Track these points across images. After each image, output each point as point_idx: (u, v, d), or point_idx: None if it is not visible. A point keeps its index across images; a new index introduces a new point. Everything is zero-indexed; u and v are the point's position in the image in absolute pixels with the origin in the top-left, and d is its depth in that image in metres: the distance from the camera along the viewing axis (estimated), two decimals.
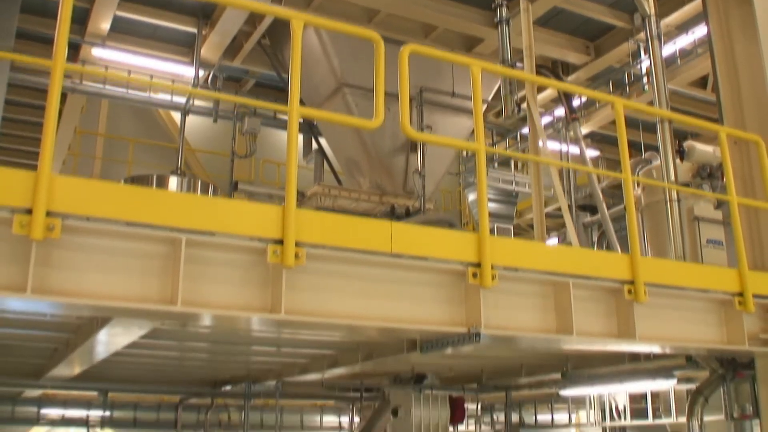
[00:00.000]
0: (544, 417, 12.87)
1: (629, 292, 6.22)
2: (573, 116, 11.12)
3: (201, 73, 15.57)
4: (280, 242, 4.86)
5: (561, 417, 15.12)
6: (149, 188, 4.80)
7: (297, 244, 4.88)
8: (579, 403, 12.80)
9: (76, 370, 10.32)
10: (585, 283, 6.10)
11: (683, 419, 8.99)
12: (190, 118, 16.60)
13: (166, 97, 16.09)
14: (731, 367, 7.96)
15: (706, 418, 8.67)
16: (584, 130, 16.96)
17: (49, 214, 4.43)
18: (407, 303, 5.37)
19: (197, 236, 4.72)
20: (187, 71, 15.90)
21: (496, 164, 19.19)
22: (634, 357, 9.22)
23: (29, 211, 4.40)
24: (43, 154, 4.42)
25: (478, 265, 5.46)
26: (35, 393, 13.15)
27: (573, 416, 16.31)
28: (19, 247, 4.48)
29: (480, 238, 5.49)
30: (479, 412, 12.48)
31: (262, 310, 4.88)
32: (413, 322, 5.32)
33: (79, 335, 7.58)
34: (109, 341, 7.10)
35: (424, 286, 5.45)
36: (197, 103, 16.57)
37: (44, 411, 13.64)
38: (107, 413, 13.58)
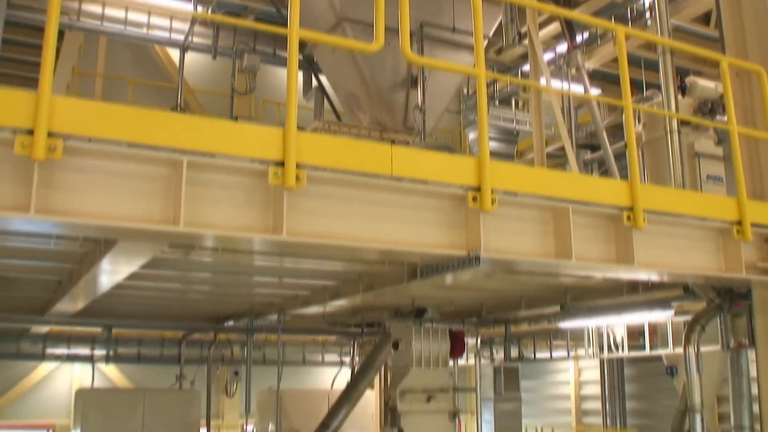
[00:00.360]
0: (543, 355, 13.00)
1: (628, 218, 6.26)
2: (574, 45, 11.05)
3: (200, 9, 15.43)
4: (281, 164, 4.88)
5: (559, 353, 15.36)
6: (150, 109, 4.79)
7: (298, 166, 4.90)
8: (578, 339, 12.95)
9: (80, 304, 10.43)
10: (584, 209, 6.14)
11: (680, 350, 9.09)
12: (189, 58, 16.49)
13: (165, 33, 15.93)
14: (728, 297, 8.04)
15: (703, 349, 8.78)
16: (586, 66, 16.84)
17: (50, 134, 4.44)
18: (408, 226, 5.41)
19: (199, 158, 4.74)
20: (186, 6, 15.74)
21: (496, 102, 19.11)
22: (633, 288, 9.30)
23: (31, 132, 4.42)
24: (43, 75, 4.41)
25: (478, 189, 5.48)
26: (40, 330, 13.33)
27: (571, 353, 16.58)
28: (21, 168, 4.51)
29: (480, 162, 5.51)
30: (479, 347, 12.61)
31: (263, 231, 4.92)
32: (414, 245, 5.37)
33: (82, 265, 7.65)
34: (112, 270, 7.16)
35: (425, 210, 5.49)
36: (196, 40, 16.42)
37: (49, 347, 13.81)
38: (111, 349, 13.76)
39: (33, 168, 4.50)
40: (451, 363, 11.42)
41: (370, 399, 13.82)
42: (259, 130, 4.98)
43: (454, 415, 11.11)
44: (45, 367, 20.60)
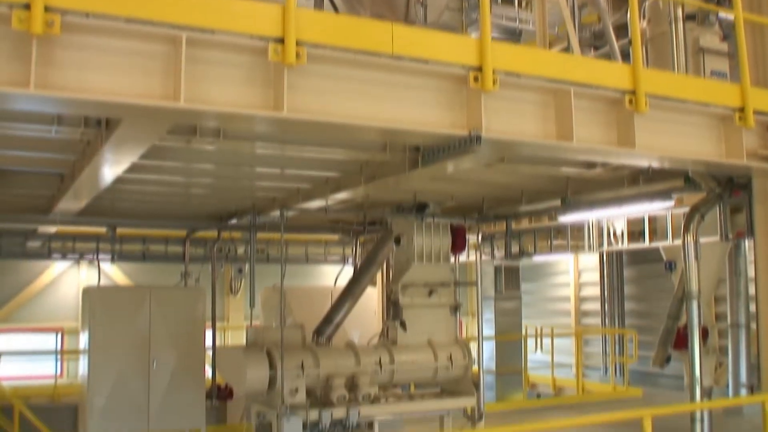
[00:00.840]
0: (543, 252, 13.04)
1: (630, 102, 6.25)
2: None
3: None
4: (281, 41, 4.85)
5: (560, 251, 15.44)
6: None
7: (298, 43, 4.87)
8: (578, 239, 13.01)
9: (83, 201, 10.47)
10: (586, 91, 6.12)
11: (679, 242, 9.18)
12: None
13: None
14: (728, 187, 8.08)
15: (702, 240, 8.85)
16: None
17: (47, 9, 4.41)
18: (409, 106, 5.41)
19: (197, 34, 4.72)
20: None
21: (499, 0, 18.80)
22: (633, 180, 9.34)
23: (28, 6, 4.39)
24: None
25: (480, 69, 5.46)
26: (46, 230, 13.45)
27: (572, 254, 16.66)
28: (20, 45, 4.50)
29: (482, 42, 5.47)
30: (480, 243, 12.72)
31: (264, 109, 4.93)
32: (414, 124, 5.38)
33: (84, 156, 7.65)
34: (114, 160, 7.16)
35: (426, 90, 5.48)
36: None
37: (54, 247, 13.94)
38: (116, 248, 13.90)
39: (32, 44, 4.48)
40: (452, 259, 11.52)
41: (373, 296, 14.03)
42: (258, 6, 4.93)
43: (455, 308, 11.28)
44: (51, 272, 20.88)
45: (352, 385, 10.25)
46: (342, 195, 9.50)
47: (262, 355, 9.98)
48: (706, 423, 10.38)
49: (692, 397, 9.67)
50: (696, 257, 7.52)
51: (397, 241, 11.15)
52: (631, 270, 21.14)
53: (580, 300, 22.79)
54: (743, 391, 15.76)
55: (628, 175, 9.28)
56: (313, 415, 9.92)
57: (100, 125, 6.41)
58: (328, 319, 11.23)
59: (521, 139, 5.82)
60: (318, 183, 9.72)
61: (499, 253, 13.78)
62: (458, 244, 11.43)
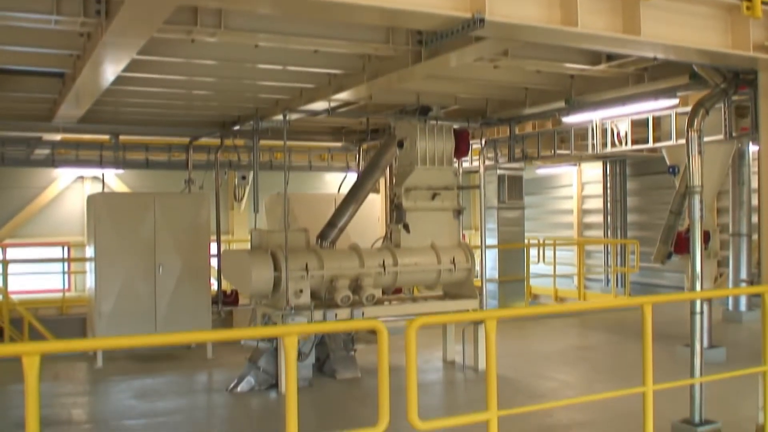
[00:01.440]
0: (546, 158, 12.99)
1: None
2: None
3: None
4: None
5: (563, 158, 15.38)
6: None
7: None
8: (582, 147, 12.93)
9: (85, 105, 10.45)
10: None
11: (683, 140, 9.13)
12: None
13: None
14: (734, 82, 8.01)
15: (706, 139, 8.82)
16: None
17: None
18: None
19: None
20: None
21: None
22: (638, 79, 9.27)
23: None
24: None
25: None
26: (51, 137, 13.46)
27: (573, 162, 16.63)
28: None
29: None
30: (483, 146, 12.69)
31: None
32: (416, 5, 5.31)
33: (85, 52, 7.60)
34: (114, 54, 7.13)
35: None
36: None
37: (58, 154, 13.94)
38: (119, 155, 13.90)
39: None
40: (455, 163, 11.52)
41: (376, 203, 14.08)
42: None
43: (458, 212, 11.34)
44: (56, 187, 20.99)
45: (356, 286, 10.37)
46: (345, 95, 9.45)
47: (267, 257, 10.08)
48: (705, 323, 10.53)
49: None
50: (699, 152, 7.49)
51: (401, 144, 11.13)
52: (634, 182, 21.19)
53: (582, 213, 22.90)
54: (743, 298, 16.03)
55: (632, 73, 9.21)
56: (318, 315, 10.07)
57: (99, 14, 6.35)
58: (331, 223, 11.30)
59: (525, 23, 5.76)
60: (321, 82, 9.65)
61: (503, 158, 13.74)
62: (461, 148, 11.40)
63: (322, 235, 11.15)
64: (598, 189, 21.90)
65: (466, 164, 15.54)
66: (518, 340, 13.16)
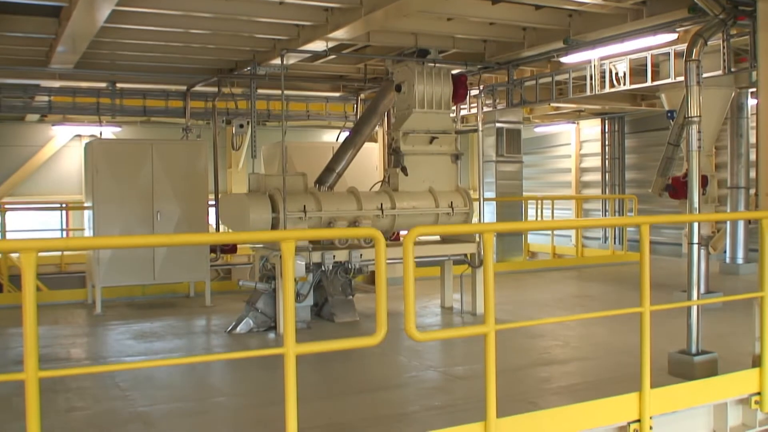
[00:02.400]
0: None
1: None
2: None
3: None
4: None
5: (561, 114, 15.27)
6: None
7: None
8: (580, 88, 12.79)
9: (82, 45, 10.40)
10: None
11: (681, 78, 9.09)
12: None
13: None
14: (732, 12, 7.96)
15: (705, 75, 8.78)
16: None
17: None
18: None
19: None
20: None
21: None
22: (636, 15, 9.22)
23: None
24: None
25: None
26: (48, 85, 13.40)
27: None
28: None
29: None
30: (481, 92, 12.61)
31: None
32: None
33: None
34: None
35: None
36: None
37: (55, 101, 13.87)
38: (116, 102, 13.82)
39: None
40: (453, 108, 11.50)
41: (374, 152, 14.05)
42: None
43: (456, 157, 11.32)
44: (53, 145, 20.96)
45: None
46: (342, 33, 9.40)
47: (265, 199, 10.08)
48: (702, 267, 10.50)
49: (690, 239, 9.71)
50: (698, 82, 7.46)
51: (398, 88, 11.08)
52: (632, 140, 21.19)
53: (580, 171, 22.90)
54: (740, 250, 16.07)
55: (630, 8, 9.16)
56: (316, 256, 10.09)
57: None
58: (329, 168, 11.30)
59: None
60: (318, 19, 9.58)
61: (501, 105, 13.67)
62: (459, 92, 11.36)
63: (320, 180, 11.15)
64: (597, 147, 21.90)
65: (464, 111, 15.50)
66: (516, 290, 13.20)
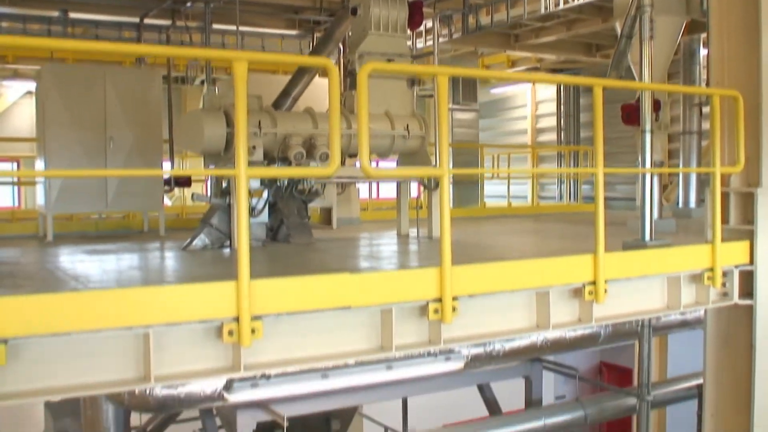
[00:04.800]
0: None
1: None
2: None
3: None
4: None
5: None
6: None
7: None
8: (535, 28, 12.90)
9: None
10: None
11: None
12: None
13: None
14: None
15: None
16: None
17: None
18: None
19: None
20: None
21: None
22: None
23: None
24: None
25: None
26: None
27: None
28: None
29: None
30: (437, 18, 12.58)
31: None
32: None
33: None
34: None
35: None
36: None
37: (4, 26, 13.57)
38: (68, 30, 13.57)
39: None
40: (409, 34, 11.49)
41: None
42: None
43: (412, 82, 11.31)
44: (3, 102, 20.57)
45: (309, 146, 10.30)
46: None
47: (220, 114, 9.96)
48: (655, 213, 10.61)
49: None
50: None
51: (354, 11, 11.04)
52: (588, 97, 21.34)
53: (537, 132, 23.09)
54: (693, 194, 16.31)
55: None
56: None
57: None
58: (285, 92, 11.25)
59: None
60: None
61: (457, 33, 13.68)
62: (415, 19, 11.35)
63: (276, 104, 11.08)
64: (552, 107, 22.07)
65: (420, 45, 15.50)
66: (473, 227, 13.24)
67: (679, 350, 14.61)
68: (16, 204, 19.65)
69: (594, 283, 6.15)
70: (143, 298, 4.49)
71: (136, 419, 10.72)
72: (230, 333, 4.62)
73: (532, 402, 8.99)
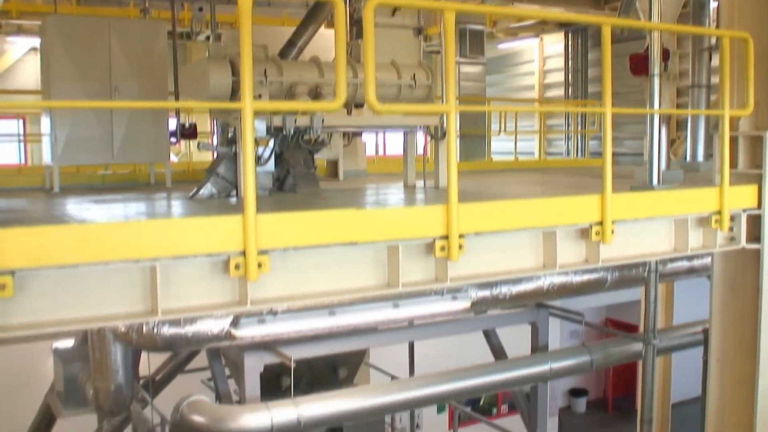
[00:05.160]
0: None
1: None
2: None
3: None
4: None
5: None
6: None
7: None
8: None
9: None
10: None
11: None
12: None
13: None
14: None
15: None
16: None
17: None
18: None
19: None
20: None
21: None
22: None
23: None
24: None
25: None
26: None
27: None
28: None
29: None
30: None
31: None
32: None
33: None
34: None
35: None
36: None
37: None
38: None
39: None
40: None
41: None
42: None
43: (418, 31, 11.21)
44: (8, 59, 20.46)
45: (315, 94, 10.25)
46: None
47: (225, 62, 9.89)
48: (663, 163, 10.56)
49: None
50: None
51: None
52: (596, 53, 21.16)
53: (544, 88, 22.94)
54: (701, 151, 16.22)
55: None
56: (277, 120, 9.95)
57: None
58: (290, 42, 11.21)
59: None
60: None
61: None
62: None
63: (282, 54, 11.03)
64: (560, 63, 21.90)
65: None
66: (480, 179, 13.20)
67: (685, 300, 14.66)
68: (23, 161, 19.66)
69: (601, 223, 6.13)
70: (150, 231, 4.49)
71: (144, 369, 10.87)
72: (237, 267, 4.63)
73: (539, 349, 9.02)
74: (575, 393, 22.52)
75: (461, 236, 5.33)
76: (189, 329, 6.48)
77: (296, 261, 5.02)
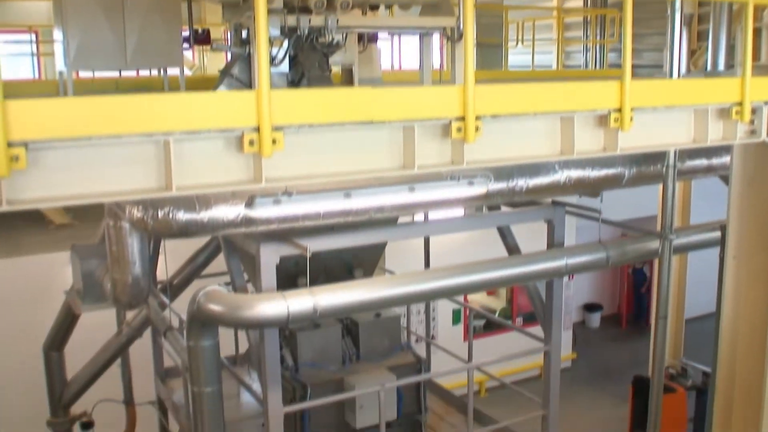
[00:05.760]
0: None
1: None
2: None
3: None
4: None
5: None
6: None
7: None
8: None
9: None
10: None
11: None
12: None
13: None
14: None
15: None
16: None
17: None
18: None
19: None
20: None
21: None
22: None
23: None
24: None
25: None
26: None
27: None
28: None
29: None
30: None
31: None
32: None
33: None
34: None
35: None
36: None
37: None
38: None
39: None
40: None
41: None
42: None
43: None
44: None
45: None
46: None
47: None
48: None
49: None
50: None
51: None
52: None
53: None
54: (722, 61, 15.98)
55: None
56: (291, 20, 9.81)
57: None
58: None
59: None
60: None
61: None
62: None
63: None
64: None
65: None
66: None
67: (701, 207, 14.62)
68: (37, 76, 19.57)
69: (620, 110, 6.03)
70: (164, 104, 4.45)
71: (162, 274, 10.97)
72: (251, 143, 4.59)
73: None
74: (589, 308, 22.66)
75: (478, 118, 5.26)
76: (204, 215, 6.48)
77: (311, 140, 4.98)
